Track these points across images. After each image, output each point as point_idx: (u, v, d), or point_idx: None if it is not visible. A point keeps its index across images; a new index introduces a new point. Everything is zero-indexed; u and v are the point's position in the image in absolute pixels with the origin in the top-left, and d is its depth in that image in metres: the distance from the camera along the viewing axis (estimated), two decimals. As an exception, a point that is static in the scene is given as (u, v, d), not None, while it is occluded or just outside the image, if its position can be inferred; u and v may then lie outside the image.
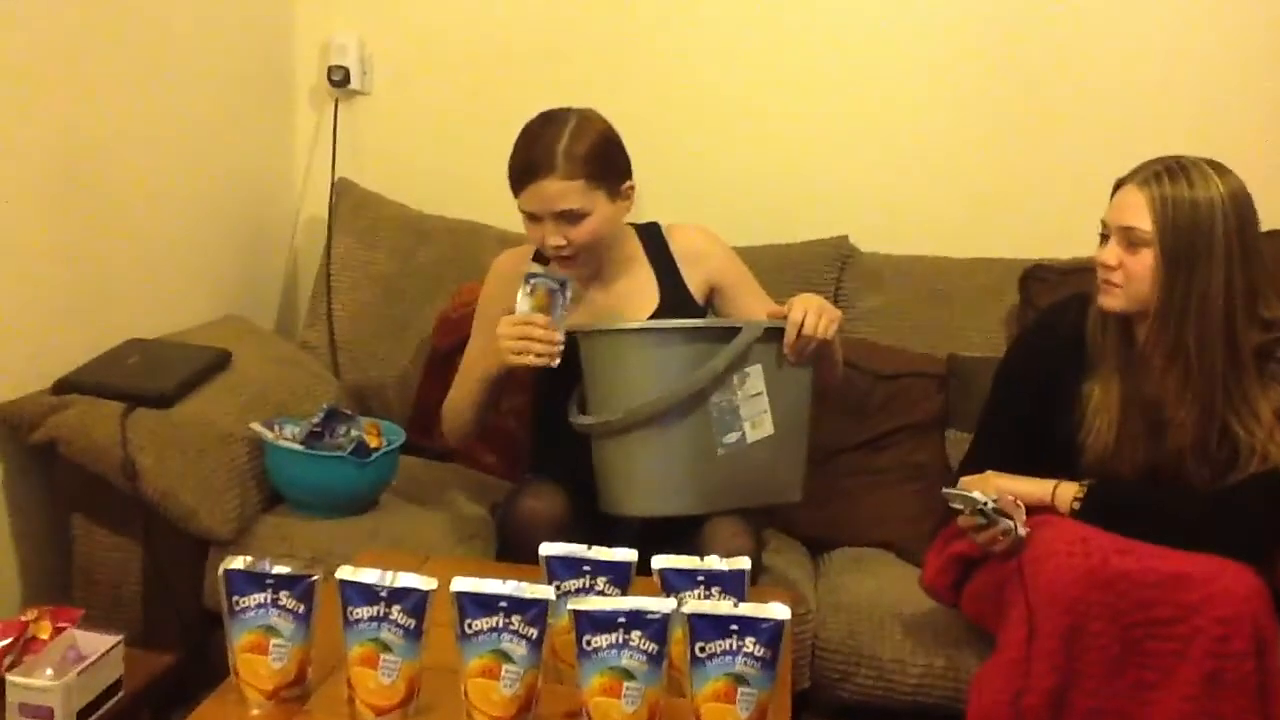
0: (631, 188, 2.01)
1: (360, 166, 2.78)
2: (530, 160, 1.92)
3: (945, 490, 1.81)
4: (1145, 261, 1.77)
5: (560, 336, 1.89)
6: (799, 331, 1.84)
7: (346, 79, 2.76)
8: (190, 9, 2.43)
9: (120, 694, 1.74)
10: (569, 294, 1.93)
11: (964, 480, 1.85)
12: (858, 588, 2.10)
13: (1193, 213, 1.74)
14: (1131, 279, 1.79)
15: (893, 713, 1.98)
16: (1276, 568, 1.78)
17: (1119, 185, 1.83)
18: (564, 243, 1.93)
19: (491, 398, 2.05)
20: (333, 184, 2.73)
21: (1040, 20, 2.56)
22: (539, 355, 1.88)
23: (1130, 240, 1.78)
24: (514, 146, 1.96)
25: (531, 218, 1.95)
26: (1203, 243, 1.75)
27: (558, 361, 1.89)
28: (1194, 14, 2.53)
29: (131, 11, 2.25)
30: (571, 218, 1.92)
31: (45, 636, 1.74)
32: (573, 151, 1.91)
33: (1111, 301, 1.82)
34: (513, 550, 1.88)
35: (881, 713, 1.99)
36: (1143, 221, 1.76)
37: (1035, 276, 2.41)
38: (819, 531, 2.30)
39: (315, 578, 1.42)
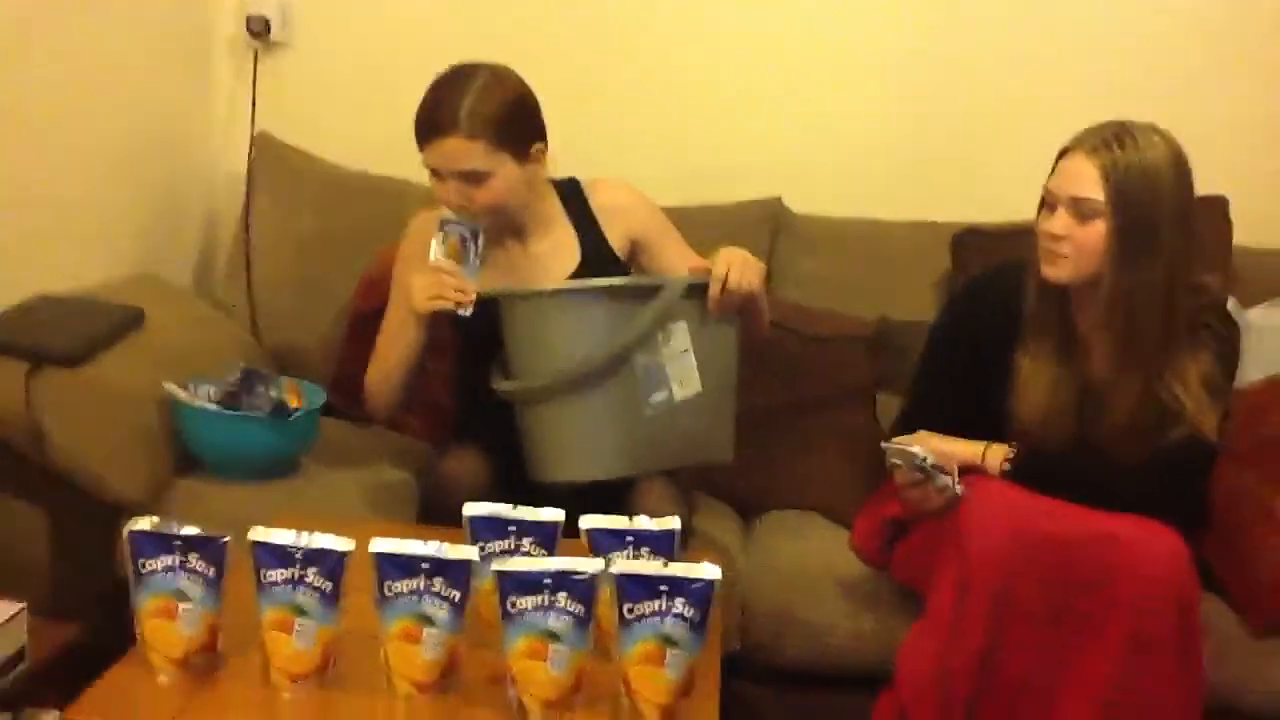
0: (543, 150, 1.95)
1: (281, 120, 2.68)
2: (433, 117, 1.86)
3: (884, 444, 1.80)
4: (1097, 231, 1.73)
5: (473, 283, 1.84)
6: (723, 285, 1.81)
7: (267, 29, 2.67)
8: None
9: (23, 665, 1.68)
10: (481, 242, 1.87)
11: (898, 439, 1.83)
12: (788, 550, 2.08)
13: (1144, 180, 1.71)
14: (1081, 250, 1.75)
15: (824, 676, 1.97)
16: (1198, 532, 1.80)
17: (1064, 153, 1.79)
18: (465, 203, 1.88)
19: (419, 361, 1.99)
20: (252, 138, 2.64)
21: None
22: (453, 299, 1.83)
23: (1080, 211, 1.74)
24: (421, 99, 1.90)
25: (435, 174, 1.89)
26: (1155, 210, 1.72)
27: (470, 310, 1.84)
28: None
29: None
30: (474, 178, 1.87)
31: (-58, 607, 1.67)
32: (477, 111, 1.84)
33: (1057, 272, 1.78)
34: (435, 515, 1.83)
35: (812, 676, 1.98)
36: (1094, 191, 1.72)
37: (967, 241, 2.40)
38: (749, 495, 2.28)
39: (226, 539, 1.37)
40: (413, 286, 1.87)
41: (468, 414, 2.11)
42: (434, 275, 1.85)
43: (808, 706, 2.01)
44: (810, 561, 2.04)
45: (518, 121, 1.89)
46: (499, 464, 1.87)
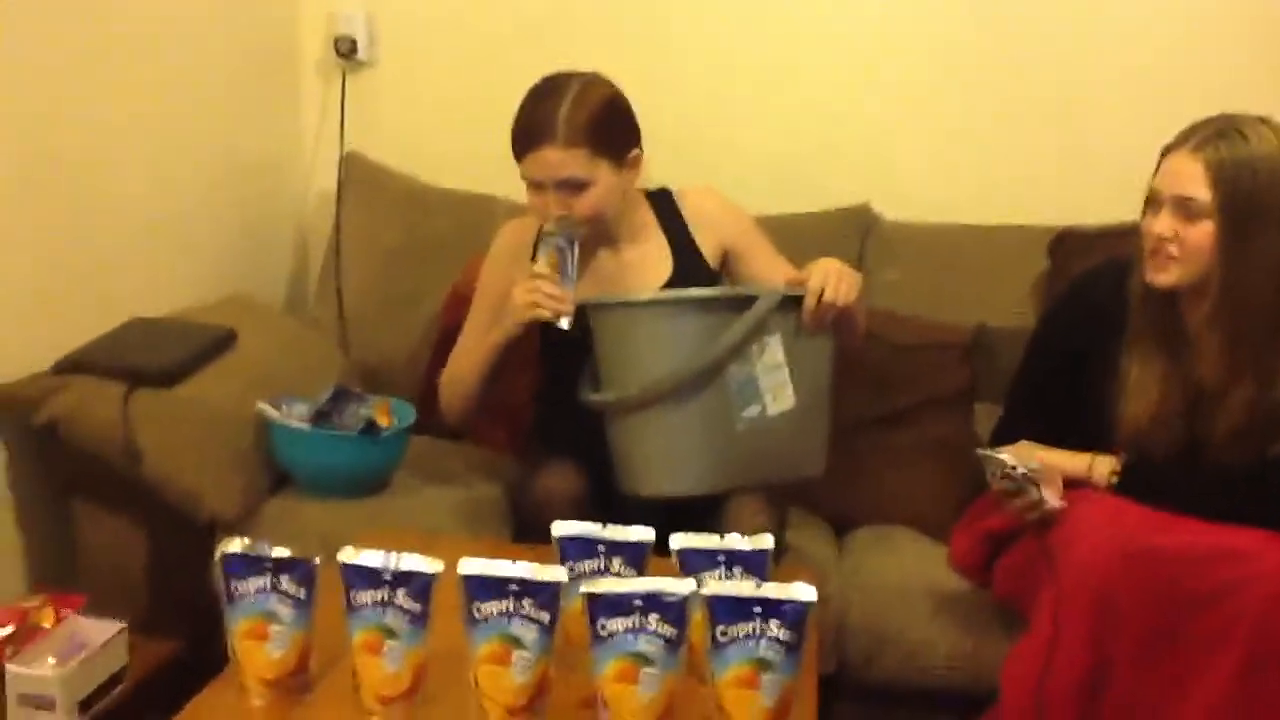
0: (639, 157, 1.94)
1: (369, 139, 2.71)
2: (531, 127, 1.86)
3: (977, 451, 1.74)
4: (1204, 232, 1.67)
5: (570, 293, 1.84)
6: (819, 299, 1.77)
7: (354, 50, 2.70)
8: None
9: (124, 683, 1.70)
10: (577, 251, 1.87)
11: (994, 449, 1.78)
12: (883, 567, 2.04)
13: (1253, 175, 1.65)
14: (1189, 251, 1.69)
15: (922, 697, 1.92)
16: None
17: (1168, 150, 1.72)
18: (564, 213, 1.87)
19: (497, 368, 1.99)
20: (341, 157, 2.67)
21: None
22: (552, 310, 1.83)
23: (1187, 210, 1.68)
24: (517, 111, 1.90)
25: (534, 186, 1.89)
26: (1263, 204, 1.65)
27: (569, 320, 1.83)
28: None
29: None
30: (574, 187, 1.86)
31: (48, 624, 1.71)
32: (575, 119, 1.84)
33: (1166, 276, 1.72)
34: (530, 530, 1.81)
35: (910, 697, 1.93)
36: (1200, 190, 1.66)
37: (1067, 243, 2.33)
38: (842, 509, 2.24)
39: (316, 561, 1.36)
40: (513, 294, 1.87)
41: (551, 425, 2.10)
42: (534, 284, 1.84)
43: (906, 727, 1.96)
44: (907, 578, 1.99)
45: (613, 128, 1.89)
46: (589, 477, 1.85)
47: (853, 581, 1.99)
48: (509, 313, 1.89)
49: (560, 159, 1.84)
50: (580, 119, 1.84)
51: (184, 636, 1.85)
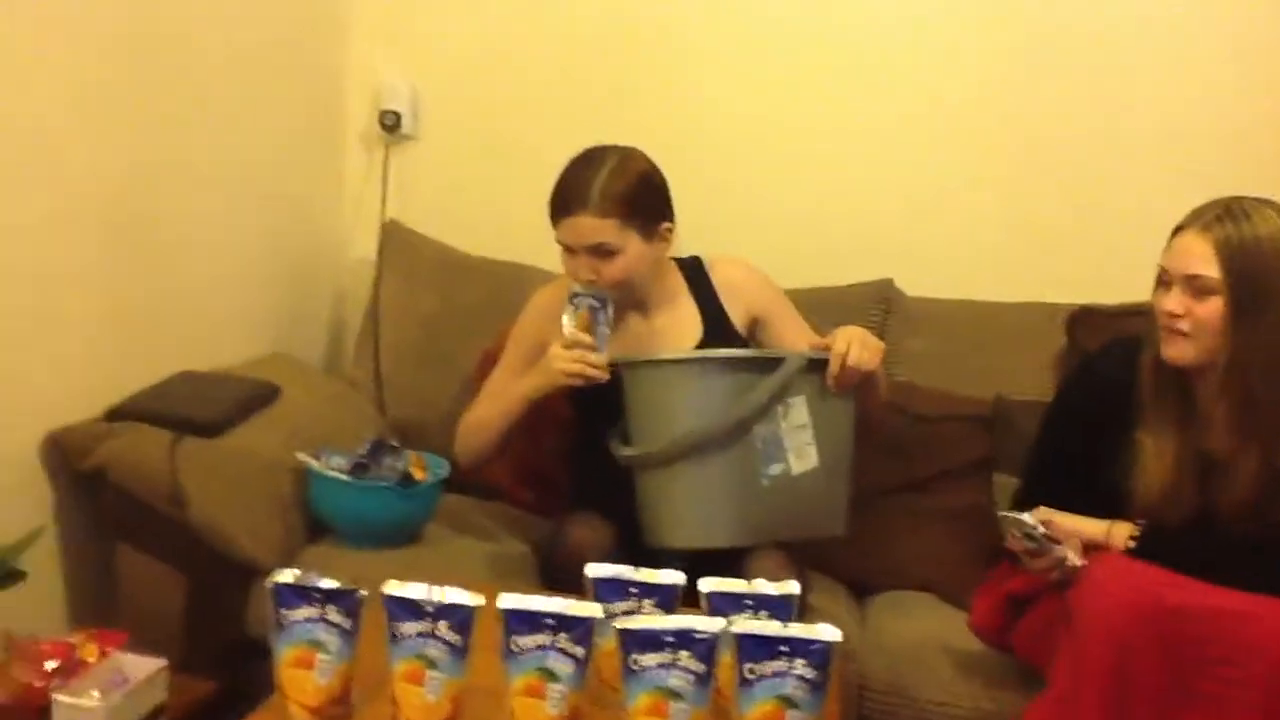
0: (669, 230, 2.03)
1: (409, 208, 2.82)
2: (567, 194, 1.96)
3: (1000, 513, 1.79)
4: (1214, 308, 1.73)
5: (605, 355, 1.91)
6: (842, 362, 1.84)
7: (398, 123, 2.81)
8: (249, 52, 2.49)
9: (163, 718, 1.74)
10: (610, 311, 1.94)
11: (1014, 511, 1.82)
12: (902, 629, 2.07)
13: (1259, 253, 1.71)
14: (1200, 328, 1.74)
15: (942, 755, 1.94)
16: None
17: (1177, 230, 1.79)
18: (594, 278, 1.96)
19: (517, 425, 2.06)
20: (382, 225, 2.77)
21: (1082, 62, 2.57)
22: (591, 376, 1.89)
23: (1196, 288, 1.74)
24: (557, 178, 2.00)
25: (567, 249, 1.98)
26: (1270, 281, 1.71)
27: (606, 377, 1.90)
28: (1232, 52, 2.52)
29: (191, 55, 2.31)
30: (603, 253, 1.95)
31: (91, 659, 1.75)
32: (609, 190, 1.94)
33: (1178, 352, 1.78)
34: (559, 580, 1.86)
35: (930, 755, 1.95)
36: (1209, 269, 1.72)
37: (1083, 320, 2.39)
38: (861, 574, 2.28)
39: (363, 592, 1.42)
40: (553, 357, 1.93)
41: (584, 483, 2.16)
42: (576, 352, 1.91)
43: (925, 787, 1.98)
44: (926, 640, 2.02)
45: (646, 201, 1.98)
46: (621, 529, 1.90)
47: (873, 642, 2.03)
48: (543, 372, 1.95)
49: (592, 227, 1.93)
50: (614, 190, 1.94)
51: (220, 679, 1.89)
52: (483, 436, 2.08)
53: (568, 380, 1.91)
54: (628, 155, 2.00)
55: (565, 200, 1.96)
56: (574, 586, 1.57)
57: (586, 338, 1.91)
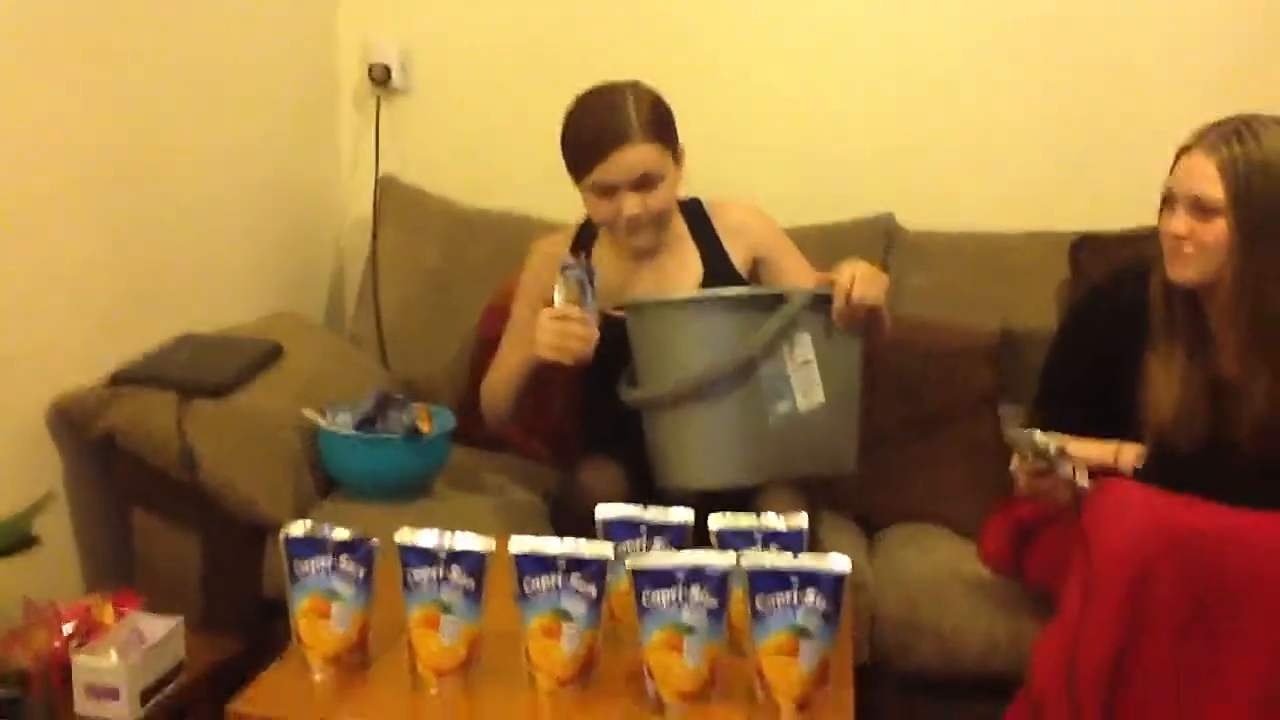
0: (683, 152, 2.02)
1: (403, 163, 2.81)
2: (608, 129, 1.91)
3: (1008, 432, 1.79)
4: (1218, 230, 1.71)
5: (594, 327, 1.88)
6: (847, 297, 1.83)
7: (388, 77, 2.79)
8: (237, 15, 2.47)
9: (182, 676, 1.76)
10: (596, 283, 1.91)
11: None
12: (914, 561, 2.08)
13: (1264, 172, 1.69)
14: (1204, 249, 1.73)
15: (957, 685, 1.95)
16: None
17: (1183, 151, 1.77)
18: (640, 211, 1.93)
19: (529, 386, 2.05)
20: (377, 181, 2.76)
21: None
22: (575, 352, 1.86)
23: (1201, 209, 1.72)
24: (575, 123, 1.95)
25: (604, 191, 1.94)
26: (1277, 201, 1.69)
27: (590, 353, 1.88)
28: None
29: (182, 18, 2.29)
30: (648, 183, 1.93)
31: (109, 621, 1.77)
32: (644, 117, 1.92)
33: (1183, 272, 1.76)
34: (570, 523, 1.87)
35: (944, 685, 1.96)
36: (1214, 189, 1.70)
37: (1087, 247, 2.38)
38: (872, 510, 2.29)
39: (375, 541, 1.43)
40: (539, 329, 1.89)
41: (594, 430, 2.16)
42: (559, 322, 1.87)
43: (941, 716, 2.00)
44: (938, 571, 2.03)
45: (670, 123, 1.97)
46: (632, 474, 1.91)
47: (885, 575, 2.04)
48: (533, 345, 1.91)
49: (640, 156, 1.91)
50: (648, 116, 1.92)
51: (238, 638, 1.91)
52: (499, 401, 2.09)
53: (554, 355, 1.87)
54: (637, 84, 1.98)
55: (604, 137, 1.91)
56: (588, 532, 1.57)
57: (576, 310, 1.88)
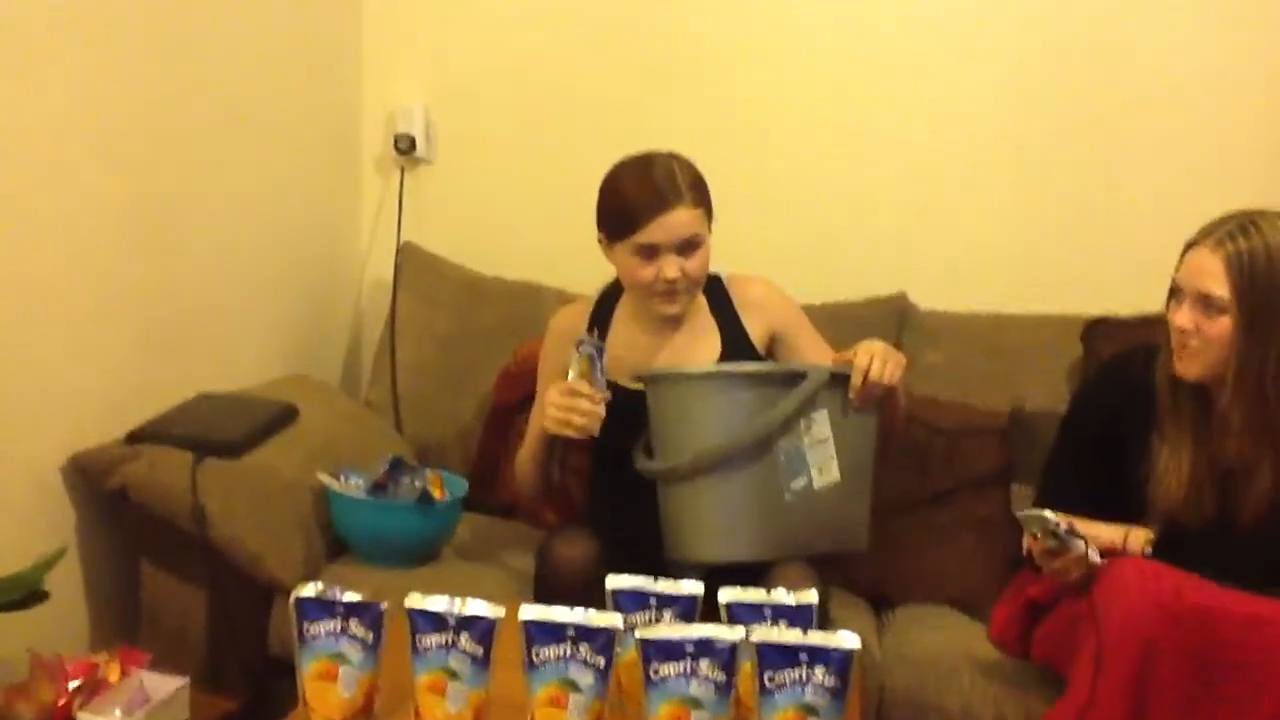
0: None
1: (423, 231, 2.84)
2: (656, 193, 1.93)
3: (1020, 512, 1.79)
4: (1223, 326, 1.74)
5: (602, 406, 1.89)
6: (865, 377, 1.84)
7: (412, 146, 2.84)
8: (266, 79, 2.52)
9: (185, 736, 1.75)
10: (605, 359, 1.94)
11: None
12: (923, 640, 2.07)
13: (1269, 268, 1.71)
14: (1208, 343, 1.75)
15: (964, 765, 1.94)
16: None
17: (1190, 246, 1.80)
18: (678, 275, 1.95)
19: (549, 457, 2.07)
20: (398, 247, 2.79)
21: (1097, 75, 2.57)
22: (579, 427, 1.88)
23: (1207, 304, 1.75)
24: (623, 184, 1.96)
25: (647, 253, 1.95)
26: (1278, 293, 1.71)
27: (597, 432, 1.89)
28: (1248, 56, 2.52)
29: (211, 80, 2.34)
30: (690, 247, 1.95)
31: (114, 678, 1.76)
32: (690, 180, 1.96)
33: (1189, 368, 1.79)
34: (544, 595, 1.88)
35: (952, 766, 1.94)
36: (1219, 287, 1.73)
37: (1099, 331, 2.39)
38: (881, 587, 2.28)
39: (384, 605, 1.43)
40: (548, 404, 1.91)
41: (595, 499, 2.17)
42: (568, 399, 1.89)
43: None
44: (947, 649, 2.02)
45: (709, 192, 2.00)
46: (622, 549, 1.89)
47: (894, 653, 2.03)
48: (543, 421, 1.93)
49: (688, 219, 1.94)
50: (694, 180, 1.96)
51: (243, 697, 1.90)
52: (528, 476, 2.10)
53: (558, 430, 1.89)
54: (673, 152, 2.01)
55: (656, 199, 1.93)
56: (560, 599, 1.56)
57: (585, 386, 1.89)
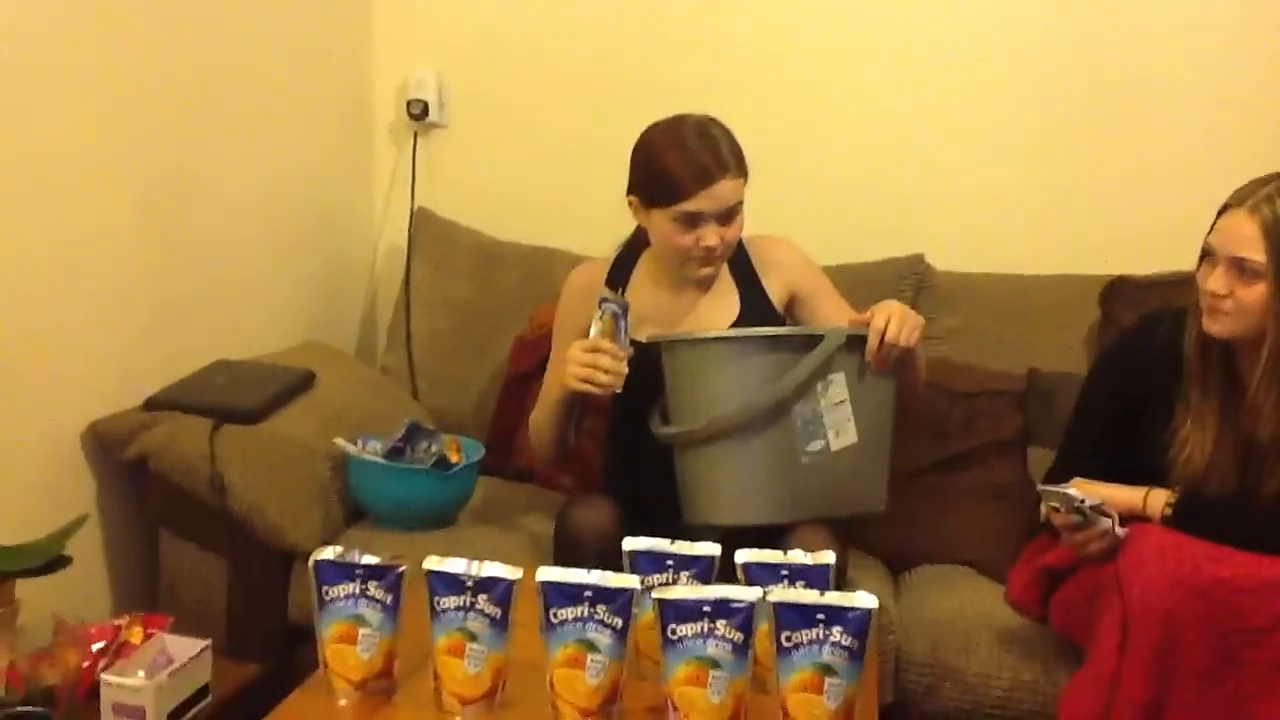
0: None
1: (437, 196, 2.84)
2: (710, 162, 1.92)
3: (1041, 488, 1.78)
4: (1259, 293, 1.70)
5: (625, 363, 1.89)
6: (882, 338, 1.83)
7: (425, 112, 2.83)
8: (279, 48, 2.52)
9: (208, 698, 1.77)
10: (629, 317, 1.92)
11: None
12: (941, 603, 2.06)
13: None
14: (1243, 309, 1.72)
15: (981, 727, 1.94)
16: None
17: (1225, 208, 1.75)
18: (717, 242, 1.95)
19: (568, 418, 2.06)
20: (412, 214, 2.79)
21: (1116, 36, 2.55)
22: (604, 384, 1.87)
23: (1242, 271, 1.71)
24: (671, 153, 1.93)
25: (690, 220, 1.94)
26: None
27: (620, 388, 1.88)
28: (1275, 20, 2.49)
29: (224, 49, 2.34)
30: (731, 215, 1.95)
31: (136, 641, 1.78)
32: (734, 149, 1.95)
33: (1219, 327, 1.75)
34: (563, 561, 1.87)
35: (970, 728, 1.95)
36: (1255, 252, 1.69)
37: (1117, 291, 2.38)
38: (899, 551, 2.28)
39: (403, 568, 1.44)
40: (569, 360, 1.89)
41: (612, 464, 2.17)
42: (591, 355, 1.88)
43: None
44: (964, 613, 2.01)
45: (745, 157, 1.99)
46: (637, 514, 1.89)
47: (911, 615, 2.02)
48: (563, 379, 1.92)
49: (732, 189, 1.93)
50: (737, 149, 1.96)
51: (264, 663, 1.92)
52: (543, 438, 2.09)
53: (580, 388, 1.88)
54: (710, 117, 1.99)
55: (705, 169, 1.91)
56: (579, 565, 1.56)
57: (608, 343, 1.88)
